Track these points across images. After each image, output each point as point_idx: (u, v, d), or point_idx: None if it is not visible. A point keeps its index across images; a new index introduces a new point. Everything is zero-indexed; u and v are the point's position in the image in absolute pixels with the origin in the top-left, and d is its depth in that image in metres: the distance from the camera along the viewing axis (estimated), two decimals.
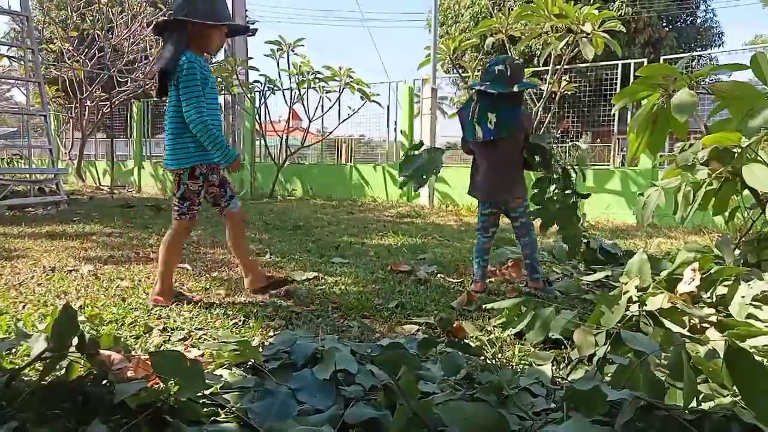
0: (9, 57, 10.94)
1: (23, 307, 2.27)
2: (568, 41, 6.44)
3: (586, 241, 3.17)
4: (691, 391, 1.11)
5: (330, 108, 9.73)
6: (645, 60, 8.73)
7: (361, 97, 9.21)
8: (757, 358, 1.10)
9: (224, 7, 2.40)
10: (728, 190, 2.47)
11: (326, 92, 9.53)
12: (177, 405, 1.21)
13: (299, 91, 9.47)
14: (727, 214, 2.66)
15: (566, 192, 2.78)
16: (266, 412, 1.27)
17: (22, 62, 8.46)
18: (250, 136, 10.62)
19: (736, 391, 1.14)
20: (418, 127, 8.76)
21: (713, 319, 1.76)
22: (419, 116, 8.63)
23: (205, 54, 2.42)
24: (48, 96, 10.58)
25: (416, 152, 2.76)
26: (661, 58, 7.90)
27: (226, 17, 2.37)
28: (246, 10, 13.39)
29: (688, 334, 1.64)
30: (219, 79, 9.66)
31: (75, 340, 1.27)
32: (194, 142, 2.31)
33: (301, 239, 4.41)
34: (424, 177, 2.68)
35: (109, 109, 12.37)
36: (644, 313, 1.77)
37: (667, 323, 1.66)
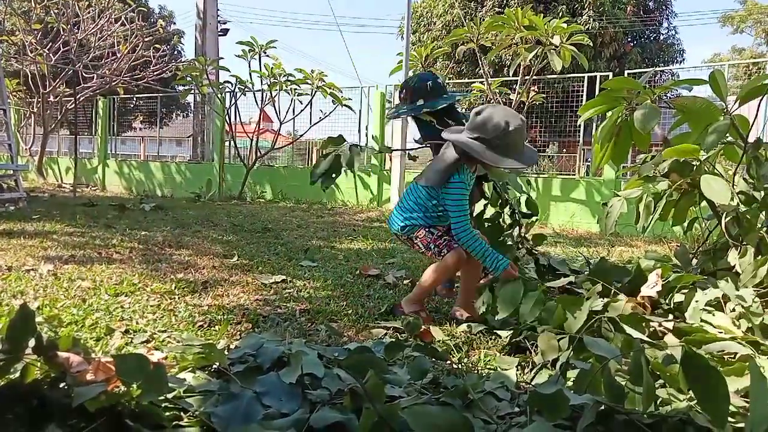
0: None
1: None
2: (537, 53, 6.58)
3: (535, 258, 2.89)
4: (649, 396, 1.15)
5: (301, 111, 9.69)
6: (610, 73, 8.98)
7: (332, 101, 9.20)
8: (711, 362, 1.14)
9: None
10: (687, 201, 2.56)
11: (298, 95, 9.49)
12: (138, 409, 1.18)
13: (270, 93, 9.41)
14: (685, 224, 2.75)
15: (506, 212, 2.76)
16: (230, 416, 1.25)
17: None
18: (219, 137, 10.48)
19: (692, 395, 1.18)
20: (389, 132, 8.80)
21: (670, 325, 1.82)
22: (390, 121, 8.67)
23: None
24: (8, 89, 10.22)
25: (333, 149, 2.56)
26: (626, 71, 8.14)
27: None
28: (218, 10, 13.24)
29: (648, 339, 1.69)
30: (188, 78, 9.52)
31: (32, 342, 1.23)
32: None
33: (270, 242, 4.37)
34: (333, 176, 2.52)
35: (73, 105, 12.04)
36: (606, 318, 1.82)
37: (628, 329, 1.71)
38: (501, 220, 2.78)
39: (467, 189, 2.35)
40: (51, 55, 11.81)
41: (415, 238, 2.45)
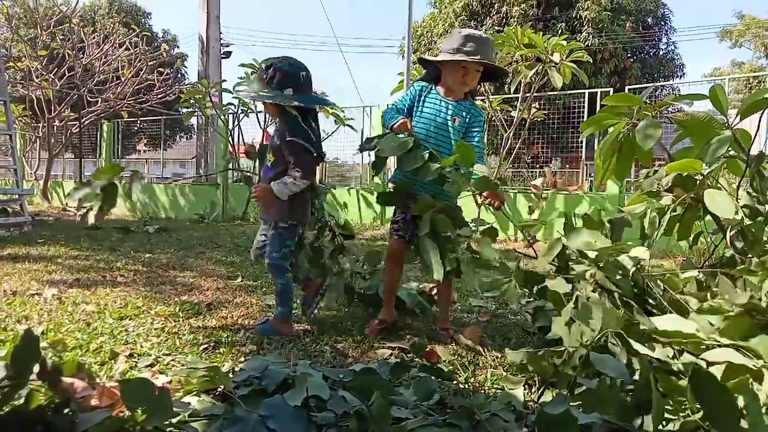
0: None
1: None
2: (537, 70, 6.63)
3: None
4: (659, 414, 1.13)
5: None
6: (611, 89, 9.03)
7: (335, 121, 9.26)
8: (712, 370, 1.13)
9: None
10: (691, 216, 2.55)
11: None
12: None
13: None
14: (691, 238, 2.74)
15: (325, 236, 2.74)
16: None
17: None
18: (223, 159, 10.54)
19: (698, 409, 1.17)
20: None
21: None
22: None
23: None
24: (14, 115, 10.34)
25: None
26: (626, 87, 8.18)
27: None
28: (220, 34, 13.42)
29: (654, 355, 1.67)
30: (191, 101, 9.62)
31: (36, 368, 1.22)
32: None
33: None
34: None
35: (78, 129, 12.16)
36: (612, 333, 1.80)
37: (635, 344, 1.69)
38: (320, 243, 2.71)
39: (408, 96, 2.49)
40: (56, 80, 11.97)
41: None
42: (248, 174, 8.95)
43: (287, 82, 2.25)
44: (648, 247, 2.41)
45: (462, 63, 2.35)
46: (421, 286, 3.08)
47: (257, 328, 2.37)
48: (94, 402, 1.32)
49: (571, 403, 1.36)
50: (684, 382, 1.27)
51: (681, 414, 1.30)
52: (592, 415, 1.21)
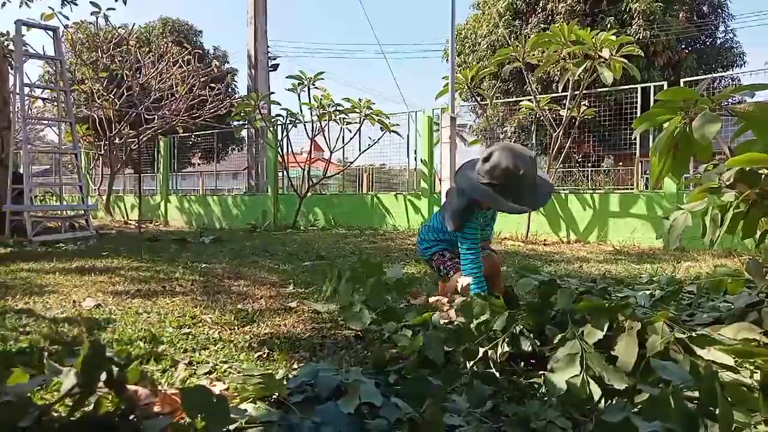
0: (43, 99, 11.41)
1: (54, 342, 2.31)
2: (586, 67, 6.47)
3: None
4: (726, 424, 1.08)
5: (351, 139, 9.87)
6: (665, 83, 8.69)
7: (380, 128, 9.33)
8: None
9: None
10: (757, 213, 2.41)
11: (347, 124, 9.69)
12: None
13: (320, 123, 9.64)
14: (756, 236, 2.59)
15: None
16: None
17: (55, 103, 8.81)
18: (273, 168, 10.81)
19: None
20: (438, 155, 8.82)
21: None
22: (439, 145, 8.70)
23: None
24: (79, 134, 10.95)
25: None
26: (681, 80, 7.85)
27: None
28: (268, 47, 13.76)
29: (720, 361, 1.59)
30: (242, 114, 9.91)
31: (103, 375, 1.29)
32: None
33: (324, 269, 4.42)
34: None
35: (136, 146, 12.74)
36: (674, 339, 1.73)
37: (698, 350, 1.62)
38: None
39: (478, 230, 2.65)
40: (116, 99, 12.60)
41: (430, 259, 2.88)
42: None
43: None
44: (710, 245, 2.30)
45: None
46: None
47: None
48: (156, 409, 1.38)
49: (631, 411, 1.31)
50: (757, 395, 1.20)
51: (752, 426, 1.23)
52: (653, 424, 1.16)
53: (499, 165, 2.37)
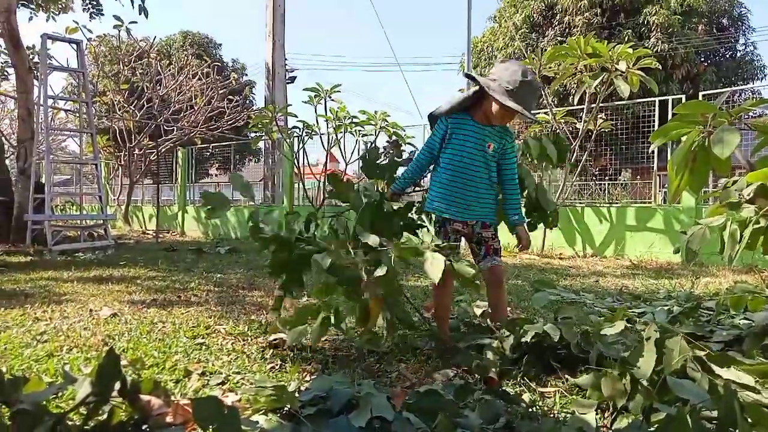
0: (66, 110, 11.66)
1: (70, 350, 2.34)
2: (602, 79, 6.44)
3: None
4: None
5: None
6: (683, 96, 8.61)
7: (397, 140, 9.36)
8: None
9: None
10: None
11: (362, 135, 9.73)
12: None
13: (336, 135, 9.70)
14: None
15: None
16: None
17: (77, 114, 9.00)
18: (289, 180, 10.88)
19: None
20: None
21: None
22: None
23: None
24: (99, 145, 11.15)
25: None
26: (700, 93, 7.77)
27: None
28: (285, 60, 13.92)
29: (740, 381, 1.56)
30: (259, 125, 10.02)
31: (117, 385, 1.30)
32: None
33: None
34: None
35: (155, 156, 12.93)
36: (691, 357, 1.70)
37: (716, 368, 1.58)
38: None
39: (439, 132, 2.52)
40: (136, 111, 12.83)
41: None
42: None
43: None
44: (729, 262, 2.26)
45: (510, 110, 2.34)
46: (473, 304, 3.07)
47: None
48: (169, 419, 1.39)
49: (647, 430, 1.29)
50: None
51: None
52: None
53: (507, 68, 2.35)
